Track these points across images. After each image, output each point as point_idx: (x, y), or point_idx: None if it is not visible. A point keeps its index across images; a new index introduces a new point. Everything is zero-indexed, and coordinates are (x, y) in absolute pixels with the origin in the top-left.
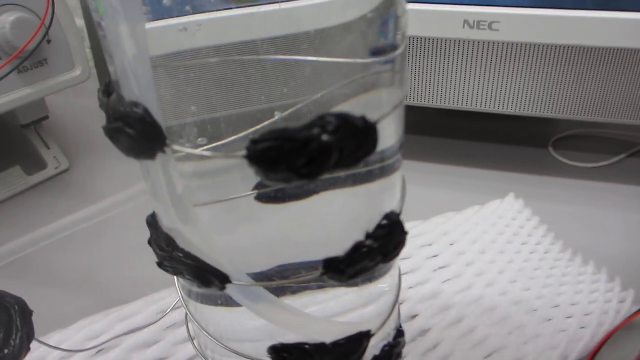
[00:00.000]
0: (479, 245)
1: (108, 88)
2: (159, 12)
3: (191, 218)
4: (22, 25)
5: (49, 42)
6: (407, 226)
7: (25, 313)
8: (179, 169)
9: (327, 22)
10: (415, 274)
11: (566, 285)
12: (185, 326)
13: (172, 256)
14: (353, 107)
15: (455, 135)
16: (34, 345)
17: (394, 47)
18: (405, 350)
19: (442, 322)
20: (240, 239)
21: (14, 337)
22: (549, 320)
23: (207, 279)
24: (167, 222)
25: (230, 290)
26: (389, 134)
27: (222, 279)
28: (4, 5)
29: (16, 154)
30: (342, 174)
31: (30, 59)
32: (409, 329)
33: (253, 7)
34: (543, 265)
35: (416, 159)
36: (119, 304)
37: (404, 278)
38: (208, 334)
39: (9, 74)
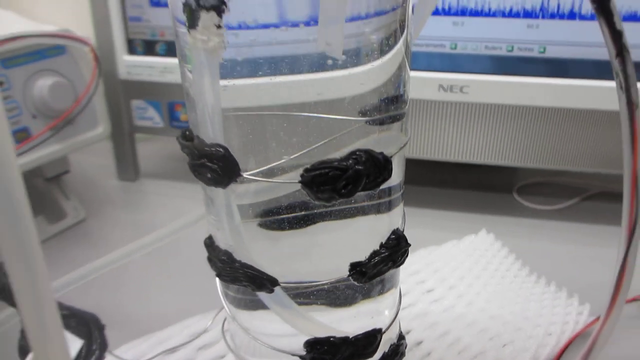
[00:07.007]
0: (458, 272)
1: (186, 135)
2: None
3: (243, 238)
4: (58, 89)
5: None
6: None
7: (99, 327)
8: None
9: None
10: (406, 297)
11: (533, 302)
12: (216, 345)
13: (231, 267)
14: (374, 145)
15: (433, 184)
16: None
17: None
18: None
19: (432, 334)
20: (283, 253)
21: (94, 346)
22: (520, 329)
23: (261, 283)
24: (224, 242)
25: (272, 295)
26: (397, 171)
27: (272, 282)
28: (42, 70)
29: (40, 205)
30: (366, 202)
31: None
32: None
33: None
34: (513, 287)
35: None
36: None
37: None
38: (249, 333)
39: (52, 135)
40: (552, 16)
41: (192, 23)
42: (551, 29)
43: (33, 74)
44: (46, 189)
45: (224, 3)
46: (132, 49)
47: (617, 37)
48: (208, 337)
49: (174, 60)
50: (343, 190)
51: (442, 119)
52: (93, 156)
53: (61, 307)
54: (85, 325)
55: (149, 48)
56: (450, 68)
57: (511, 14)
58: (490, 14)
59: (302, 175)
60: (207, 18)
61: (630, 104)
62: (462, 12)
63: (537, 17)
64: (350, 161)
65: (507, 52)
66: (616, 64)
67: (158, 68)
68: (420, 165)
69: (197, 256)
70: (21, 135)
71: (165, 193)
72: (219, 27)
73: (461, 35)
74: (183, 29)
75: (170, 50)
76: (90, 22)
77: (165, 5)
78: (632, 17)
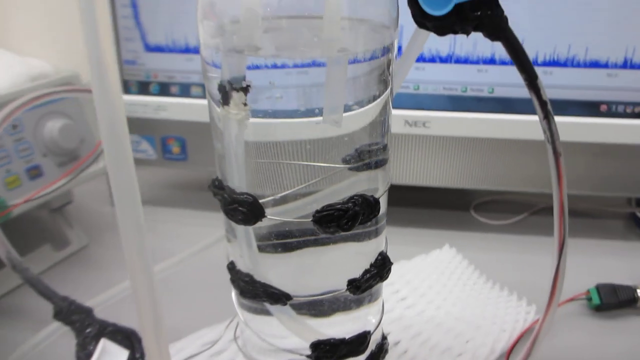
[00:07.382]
0: (427, 282)
1: (216, 184)
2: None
3: (261, 262)
4: (66, 130)
5: (82, 141)
6: None
7: (138, 339)
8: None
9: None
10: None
11: (489, 305)
12: (225, 352)
13: (253, 286)
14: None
15: (401, 205)
16: None
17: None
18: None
19: (407, 335)
20: (291, 273)
21: (137, 355)
22: (480, 327)
23: (277, 298)
24: (245, 266)
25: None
26: (383, 206)
27: (287, 297)
28: (50, 113)
29: (46, 234)
30: (358, 230)
31: (68, 155)
32: None
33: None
34: (473, 293)
35: None
36: None
37: None
38: (261, 336)
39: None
40: (500, 63)
41: (225, 101)
42: (498, 73)
43: (43, 117)
44: (51, 219)
45: (249, 85)
46: (126, 89)
47: (543, 105)
48: (219, 346)
49: (166, 99)
50: (345, 226)
51: (408, 150)
52: (88, 185)
53: (107, 324)
54: (128, 338)
55: (143, 88)
56: (414, 106)
57: (464, 61)
58: (446, 60)
59: (313, 215)
60: (237, 97)
61: (555, 153)
62: (423, 59)
63: (485, 63)
64: (350, 204)
65: (462, 92)
66: (544, 124)
67: (152, 106)
68: (390, 189)
69: (204, 279)
70: (33, 173)
71: (156, 219)
72: (245, 104)
73: (422, 78)
74: (215, 95)
75: (163, 90)
76: (81, 55)
77: (159, 50)
78: (552, 63)
